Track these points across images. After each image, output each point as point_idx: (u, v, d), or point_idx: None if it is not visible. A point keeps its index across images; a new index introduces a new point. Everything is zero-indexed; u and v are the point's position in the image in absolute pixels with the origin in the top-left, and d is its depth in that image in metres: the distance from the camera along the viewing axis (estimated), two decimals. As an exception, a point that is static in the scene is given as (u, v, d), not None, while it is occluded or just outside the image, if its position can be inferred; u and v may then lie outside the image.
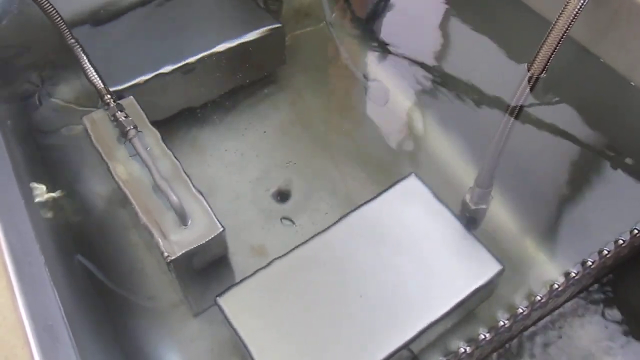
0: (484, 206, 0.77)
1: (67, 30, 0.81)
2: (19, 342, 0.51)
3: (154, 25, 0.97)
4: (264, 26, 0.96)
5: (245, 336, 0.67)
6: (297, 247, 0.73)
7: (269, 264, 0.72)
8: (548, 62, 0.76)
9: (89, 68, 0.80)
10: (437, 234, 0.74)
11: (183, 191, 0.71)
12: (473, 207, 0.77)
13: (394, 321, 0.67)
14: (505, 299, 0.75)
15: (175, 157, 0.75)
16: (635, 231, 0.74)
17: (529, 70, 0.79)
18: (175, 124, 0.97)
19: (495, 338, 0.70)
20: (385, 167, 0.94)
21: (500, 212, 0.85)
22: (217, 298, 0.69)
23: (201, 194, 0.72)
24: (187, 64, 0.92)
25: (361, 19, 1.17)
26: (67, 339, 0.57)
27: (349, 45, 1.11)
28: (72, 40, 0.81)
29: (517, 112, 0.78)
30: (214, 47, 0.93)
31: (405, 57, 1.07)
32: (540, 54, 0.76)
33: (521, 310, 0.70)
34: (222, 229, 0.69)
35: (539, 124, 0.92)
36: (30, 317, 0.53)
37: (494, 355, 0.75)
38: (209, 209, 0.71)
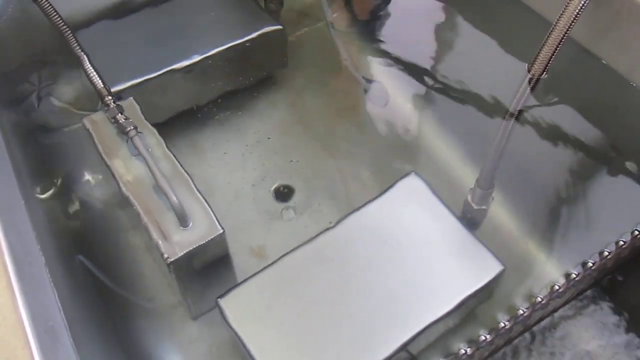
0: (484, 207, 0.77)
1: (67, 31, 0.80)
2: (19, 342, 0.51)
3: (154, 26, 0.97)
4: (265, 27, 0.96)
5: (245, 337, 0.66)
6: (297, 247, 0.73)
7: (269, 265, 0.72)
8: (549, 63, 0.76)
9: (89, 68, 0.80)
10: (437, 235, 0.74)
11: (183, 192, 0.71)
12: (475, 207, 0.77)
13: (395, 322, 0.67)
14: (506, 300, 0.75)
15: (176, 158, 0.75)
16: (636, 232, 0.74)
17: (529, 71, 0.78)
18: (175, 124, 0.97)
19: (496, 339, 0.69)
20: (386, 168, 0.94)
21: (501, 213, 0.85)
22: (218, 299, 0.69)
23: (201, 194, 0.72)
24: (188, 64, 0.91)
25: (361, 20, 1.17)
26: (67, 340, 0.57)
27: (349, 46, 1.11)
28: (73, 40, 0.80)
29: (518, 113, 0.78)
30: (214, 48, 0.93)
31: (405, 58, 1.07)
32: (541, 54, 0.76)
33: (522, 311, 0.70)
34: (222, 230, 0.69)
35: (540, 125, 0.92)
36: (31, 318, 0.53)
37: (495, 356, 0.75)
38: (210, 209, 0.71)
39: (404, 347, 0.66)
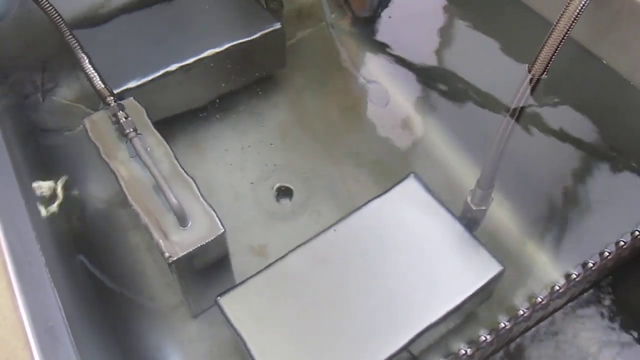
0: (484, 207, 0.77)
1: (67, 30, 0.80)
2: (19, 343, 0.51)
3: (154, 25, 0.97)
4: (265, 27, 0.96)
5: (246, 337, 0.66)
6: (297, 247, 0.73)
7: (269, 264, 0.72)
8: (549, 63, 0.76)
9: (89, 68, 0.80)
10: (437, 235, 0.74)
11: (184, 192, 0.71)
12: (475, 208, 0.77)
13: (395, 322, 0.67)
14: (506, 300, 0.75)
15: (176, 158, 0.75)
16: (636, 233, 0.74)
17: (529, 72, 0.78)
18: (175, 124, 0.97)
19: (496, 339, 0.69)
20: (386, 168, 0.94)
21: (500, 213, 0.85)
22: (218, 298, 0.69)
23: (202, 194, 0.72)
24: (188, 64, 0.91)
25: (361, 20, 1.16)
26: (67, 340, 0.57)
27: (349, 46, 1.11)
28: (73, 41, 0.80)
29: (518, 114, 0.78)
30: (214, 47, 0.93)
31: (405, 58, 1.07)
32: (541, 55, 0.76)
33: (522, 312, 0.70)
34: (223, 230, 0.69)
35: (540, 125, 0.92)
36: (31, 318, 0.53)
37: (495, 356, 0.75)
38: (210, 209, 0.71)
39: (404, 347, 0.66)
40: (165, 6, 1.00)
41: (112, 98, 0.78)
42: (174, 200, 0.68)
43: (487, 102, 0.97)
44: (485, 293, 0.72)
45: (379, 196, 0.78)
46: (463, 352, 0.67)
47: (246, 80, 1.01)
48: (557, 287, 0.71)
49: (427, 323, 0.67)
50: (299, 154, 0.96)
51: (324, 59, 1.10)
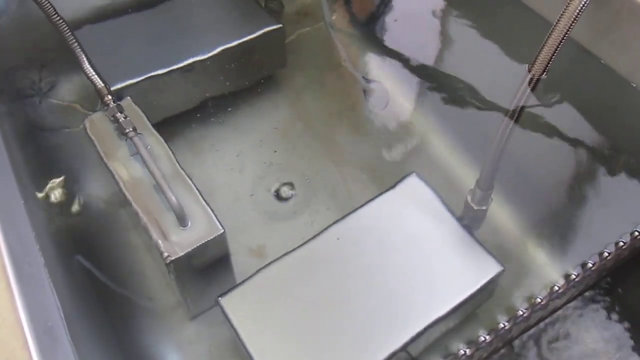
0: (484, 207, 0.77)
1: (67, 30, 0.80)
2: (18, 343, 0.51)
3: (154, 25, 0.97)
4: (265, 27, 0.96)
5: (245, 337, 0.66)
6: (297, 247, 0.73)
7: (269, 264, 0.72)
8: (549, 63, 0.76)
9: (88, 68, 0.80)
10: (437, 235, 0.74)
11: (183, 192, 0.71)
12: (475, 208, 0.77)
13: (394, 322, 0.67)
14: (506, 301, 0.75)
15: (175, 158, 0.75)
16: (636, 233, 0.74)
17: (529, 72, 0.78)
18: (175, 124, 0.97)
19: (495, 340, 0.69)
20: (386, 168, 0.94)
21: (500, 214, 0.85)
22: (219, 299, 0.69)
23: (201, 194, 0.72)
24: (187, 64, 0.91)
25: (361, 20, 1.16)
26: (66, 340, 0.57)
27: (349, 46, 1.11)
28: (72, 40, 0.80)
29: (518, 114, 0.78)
30: (214, 47, 0.93)
31: (405, 59, 1.07)
32: (541, 55, 0.76)
33: (521, 312, 0.69)
34: (222, 230, 0.69)
35: (540, 126, 0.92)
36: (30, 318, 0.53)
37: (494, 357, 0.75)
38: (210, 209, 0.71)
39: (404, 347, 0.66)
40: (165, 6, 1.00)
41: (111, 98, 0.78)
42: (173, 199, 0.68)
43: (487, 102, 0.97)
44: (485, 293, 0.72)
45: (379, 196, 0.77)
46: (462, 352, 0.67)
47: (246, 81, 1.01)
48: (556, 288, 0.71)
49: (427, 323, 0.67)
50: (299, 154, 0.96)
51: (324, 59, 1.10)
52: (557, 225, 0.85)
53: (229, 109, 1.01)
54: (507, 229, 0.85)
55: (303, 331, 0.67)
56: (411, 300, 0.69)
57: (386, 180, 0.82)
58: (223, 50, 0.93)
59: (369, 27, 1.15)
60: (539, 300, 0.71)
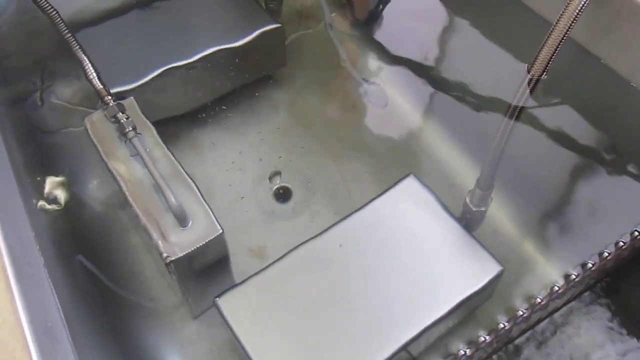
0: (483, 208, 0.77)
1: (67, 31, 0.80)
2: (18, 344, 0.51)
3: (154, 25, 0.97)
4: (264, 27, 0.96)
5: (243, 337, 0.66)
6: (296, 247, 0.73)
7: (268, 265, 0.72)
8: (549, 63, 0.76)
9: (89, 68, 0.80)
10: (436, 235, 0.74)
11: (183, 192, 0.71)
12: (474, 208, 0.77)
13: (394, 323, 0.67)
14: (505, 301, 0.75)
15: (175, 158, 0.75)
16: (636, 233, 0.74)
17: (529, 72, 0.78)
18: (175, 124, 0.97)
19: (495, 340, 0.69)
20: (385, 168, 0.94)
21: (500, 214, 0.85)
22: (216, 299, 0.69)
23: (201, 194, 0.72)
24: (187, 64, 0.91)
25: (360, 21, 1.16)
26: (66, 341, 0.57)
27: (349, 46, 1.11)
28: (72, 41, 0.80)
29: (518, 114, 0.78)
30: (214, 47, 0.93)
31: (404, 59, 1.07)
32: (541, 55, 0.76)
33: (521, 312, 0.70)
34: (221, 231, 0.69)
35: (540, 126, 0.92)
36: (30, 319, 0.53)
37: (494, 357, 0.75)
38: (209, 210, 0.71)
39: (403, 348, 0.66)
40: (165, 6, 1.00)
41: (110, 98, 0.78)
42: (173, 200, 0.68)
43: (487, 102, 0.97)
44: (484, 294, 0.72)
45: (378, 196, 0.77)
46: (462, 352, 0.67)
47: (246, 80, 1.01)
48: (556, 288, 0.71)
49: (426, 323, 0.67)
50: (299, 154, 0.96)
51: (324, 60, 1.10)
52: (557, 225, 0.85)
53: (230, 109, 1.01)
54: (507, 228, 0.85)
55: (302, 331, 0.67)
56: (411, 301, 0.69)
57: (385, 180, 0.82)
58: (223, 50, 0.93)
59: (369, 27, 1.15)
60: (539, 300, 0.71)
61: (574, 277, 0.72)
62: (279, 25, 0.97)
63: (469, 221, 0.77)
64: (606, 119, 0.91)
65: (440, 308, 0.68)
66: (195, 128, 0.99)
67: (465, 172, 0.91)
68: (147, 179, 0.73)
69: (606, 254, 0.73)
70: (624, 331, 0.77)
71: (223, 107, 1.01)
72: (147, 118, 0.79)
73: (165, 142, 0.76)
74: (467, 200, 0.77)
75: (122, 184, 0.73)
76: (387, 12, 1.15)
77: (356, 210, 0.76)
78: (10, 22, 0.97)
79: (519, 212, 0.86)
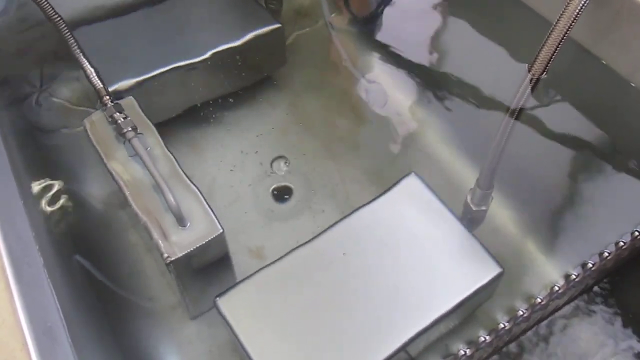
0: (484, 207, 0.77)
1: (66, 30, 0.80)
2: (18, 344, 0.51)
3: (154, 25, 0.97)
4: (264, 26, 0.96)
5: (243, 337, 0.66)
6: (296, 248, 0.73)
7: (268, 265, 0.72)
8: (549, 63, 0.76)
9: (88, 68, 0.80)
10: (437, 235, 0.73)
11: (183, 192, 0.71)
12: (475, 208, 0.76)
13: (394, 322, 0.67)
14: (505, 301, 0.74)
15: (175, 158, 0.75)
16: (636, 233, 0.74)
17: (529, 72, 0.78)
18: (175, 124, 0.96)
19: (495, 340, 0.69)
20: (385, 168, 0.94)
21: (500, 214, 0.85)
22: (216, 299, 0.69)
23: (201, 194, 0.72)
24: (187, 64, 0.91)
25: (360, 20, 1.16)
26: (66, 341, 0.57)
27: (349, 46, 1.11)
28: (72, 40, 0.80)
29: (518, 114, 0.78)
30: (214, 47, 0.93)
31: (404, 58, 1.07)
32: (541, 55, 0.76)
33: (521, 313, 0.69)
34: (221, 230, 0.69)
35: (540, 126, 0.92)
36: (29, 319, 0.53)
37: (494, 357, 0.75)
38: (209, 209, 0.71)
39: (402, 348, 0.66)
40: (164, 6, 1.00)
41: (109, 98, 0.78)
42: (172, 200, 0.68)
43: (487, 101, 0.97)
44: (484, 294, 0.72)
45: (378, 196, 0.77)
46: (462, 352, 0.67)
47: (246, 80, 1.01)
48: (556, 288, 0.71)
49: (426, 323, 0.67)
50: (298, 154, 0.96)
51: (323, 59, 1.10)
52: (557, 225, 0.85)
53: (229, 109, 1.01)
54: (507, 228, 0.85)
55: (302, 331, 0.67)
56: (411, 301, 0.68)
57: (386, 180, 0.82)
58: (223, 50, 0.93)
59: (369, 27, 1.15)
60: (539, 300, 0.71)
61: (574, 277, 0.72)
62: (279, 25, 0.97)
63: (469, 220, 0.77)
64: (606, 119, 0.91)
65: (439, 308, 0.68)
66: (195, 128, 0.98)
67: (465, 172, 0.91)
68: (146, 179, 0.73)
69: (606, 254, 0.73)
70: (624, 331, 0.77)
71: (223, 107, 1.01)
72: (147, 118, 0.79)
73: (165, 142, 0.76)
74: (468, 199, 0.77)
75: (122, 184, 0.73)
76: (387, 10, 1.15)
77: (357, 210, 0.76)
78: (9, 21, 0.97)
79: (520, 212, 0.86)
